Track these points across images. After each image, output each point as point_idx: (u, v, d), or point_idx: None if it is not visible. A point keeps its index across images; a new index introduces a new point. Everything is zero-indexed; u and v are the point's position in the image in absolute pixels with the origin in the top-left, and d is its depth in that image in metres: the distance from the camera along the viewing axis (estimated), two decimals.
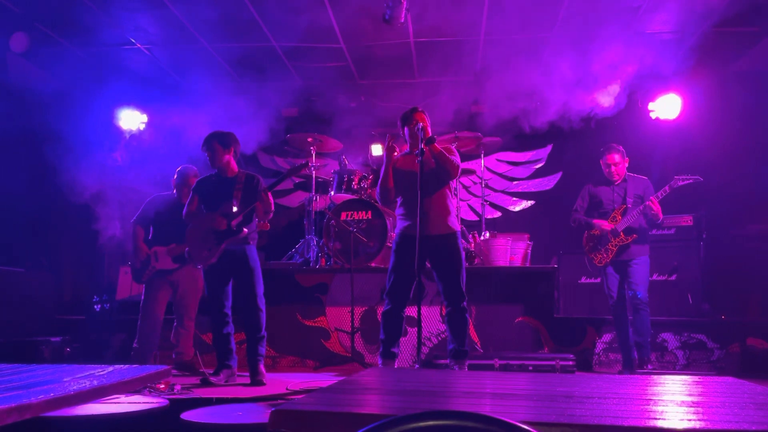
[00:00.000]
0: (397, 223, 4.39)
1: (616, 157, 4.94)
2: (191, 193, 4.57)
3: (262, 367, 4.37)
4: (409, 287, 4.21)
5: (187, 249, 4.51)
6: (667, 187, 4.76)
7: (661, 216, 4.75)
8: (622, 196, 4.94)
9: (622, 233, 4.84)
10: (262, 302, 4.43)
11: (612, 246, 4.87)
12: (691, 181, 4.73)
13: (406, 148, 4.39)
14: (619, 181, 4.98)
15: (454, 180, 4.32)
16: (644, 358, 4.81)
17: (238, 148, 4.57)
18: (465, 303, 4.16)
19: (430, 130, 4.22)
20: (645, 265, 4.88)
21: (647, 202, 4.74)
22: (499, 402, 1.68)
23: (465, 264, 4.30)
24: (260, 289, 4.44)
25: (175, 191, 5.14)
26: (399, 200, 4.39)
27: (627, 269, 4.86)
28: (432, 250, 4.15)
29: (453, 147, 4.37)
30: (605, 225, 4.89)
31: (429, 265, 4.31)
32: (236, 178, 4.46)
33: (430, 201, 4.13)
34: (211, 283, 4.43)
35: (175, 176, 5.17)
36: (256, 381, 4.31)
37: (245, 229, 4.35)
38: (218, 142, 4.45)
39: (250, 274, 4.40)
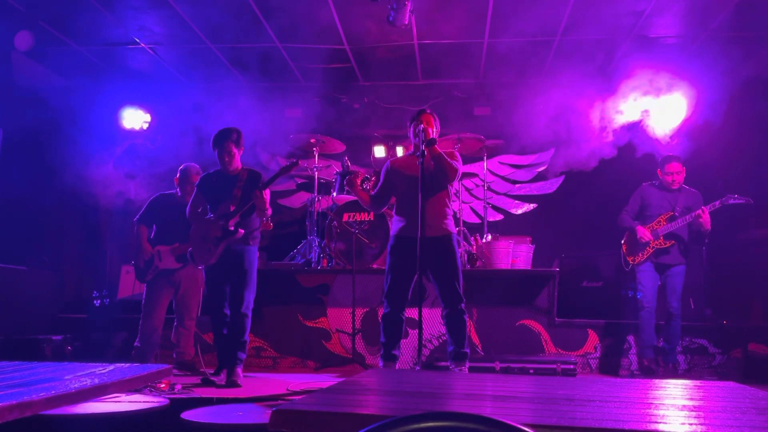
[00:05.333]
0: (392, 225, 4.35)
1: (678, 167, 5.07)
2: (195, 191, 4.54)
3: (239, 370, 4.27)
4: (408, 289, 4.18)
5: (190, 249, 4.48)
6: (718, 202, 4.88)
7: (709, 227, 4.85)
8: (672, 204, 5.06)
9: (662, 237, 4.98)
10: (248, 307, 4.31)
11: (649, 248, 5.00)
12: (742, 201, 4.85)
13: (411, 148, 4.38)
14: (675, 190, 5.10)
15: (455, 184, 4.29)
16: (669, 364, 4.98)
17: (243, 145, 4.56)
18: (463, 305, 4.12)
19: (434, 132, 4.16)
20: (682, 275, 5.00)
21: (698, 211, 4.85)
22: (500, 404, 1.68)
23: (461, 266, 4.26)
24: (250, 293, 4.33)
25: (178, 190, 5.13)
26: (395, 201, 4.36)
27: (666, 278, 5.01)
28: (428, 253, 4.09)
29: (456, 152, 4.34)
30: (647, 236, 5.00)
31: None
32: (239, 175, 4.41)
33: (427, 203, 4.07)
34: (211, 282, 4.40)
35: (178, 175, 5.15)
36: (230, 382, 4.19)
37: (241, 230, 4.28)
38: (237, 138, 4.41)
39: (243, 276, 4.31)
